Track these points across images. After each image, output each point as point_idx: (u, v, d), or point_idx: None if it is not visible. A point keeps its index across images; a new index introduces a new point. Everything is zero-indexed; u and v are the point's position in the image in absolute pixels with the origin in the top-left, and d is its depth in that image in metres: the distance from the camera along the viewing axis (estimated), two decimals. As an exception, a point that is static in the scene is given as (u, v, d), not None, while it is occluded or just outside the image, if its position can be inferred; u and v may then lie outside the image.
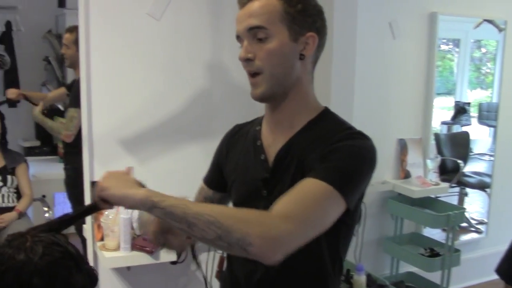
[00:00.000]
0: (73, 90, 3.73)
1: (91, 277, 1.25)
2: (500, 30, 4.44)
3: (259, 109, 3.09)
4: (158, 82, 2.97)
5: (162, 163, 3.01)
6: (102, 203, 1.33)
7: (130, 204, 1.27)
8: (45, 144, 5.84)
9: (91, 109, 2.84)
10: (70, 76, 5.70)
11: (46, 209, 4.06)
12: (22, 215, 3.78)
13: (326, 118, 1.51)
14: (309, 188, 1.30)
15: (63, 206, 5.05)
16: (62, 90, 4.37)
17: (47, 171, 5.21)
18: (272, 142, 1.52)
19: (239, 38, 1.47)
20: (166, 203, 1.23)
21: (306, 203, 1.27)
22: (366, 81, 3.57)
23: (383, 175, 3.97)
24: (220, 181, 1.67)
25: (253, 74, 1.45)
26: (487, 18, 4.31)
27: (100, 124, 2.86)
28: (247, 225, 1.20)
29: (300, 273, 1.48)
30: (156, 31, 2.91)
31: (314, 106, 1.53)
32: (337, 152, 1.36)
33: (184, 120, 3.03)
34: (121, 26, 2.85)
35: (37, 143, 5.83)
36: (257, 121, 1.64)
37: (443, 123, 6.65)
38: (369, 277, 3.15)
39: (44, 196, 4.44)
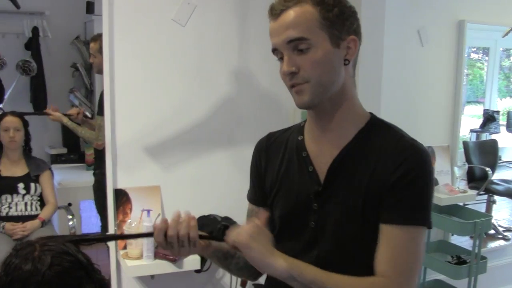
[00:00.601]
0: (101, 98, 3.73)
1: (103, 286, 1.21)
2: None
3: (285, 117, 3.09)
4: (183, 89, 2.95)
5: (187, 170, 2.99)
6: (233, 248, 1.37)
7: (269, 272, 1.34)
8: (72, 151, 5.87)
9: (115, 116, 2.83)
10: (98, 84, 5.73)
11: (70, 217, 4.04)
12: (45, 223, 3.76)
13: (376, 127, 1.45)
14: (406, 243, 1.33)
15: (89, 213, 5.06)
16: None
17: (73, 179, 5.23)
18: (319, 153, 1.46)
19: (276, 51, 1.39)
20: (305, 278, 1.30)
21: (410, 261, 1.34)
22: (393, 89, 3.51)
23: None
24: (265, 196, 1.59)
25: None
26: (514, 26, 4.24)
27: (124, 131, 2.86)
28: None
29: None
30: (181, 37, 2.90)
31: (361, 112, 1.47)
32: (412, 185, 1.33)
33: (209, 127, 3.01)
34: (145, 33, 2.84)
35: (64, 150, 5.85)
36: (296, 129, 1.57)
37: (472, 131, 6.58)
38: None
39: (70, 204, 4.43)
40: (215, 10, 2.96)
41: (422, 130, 3.88)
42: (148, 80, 2.88)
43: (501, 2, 4.03)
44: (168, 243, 1.37)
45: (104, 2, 2.73)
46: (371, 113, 1.49)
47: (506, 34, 4.22)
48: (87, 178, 5.09)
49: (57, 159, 5.68)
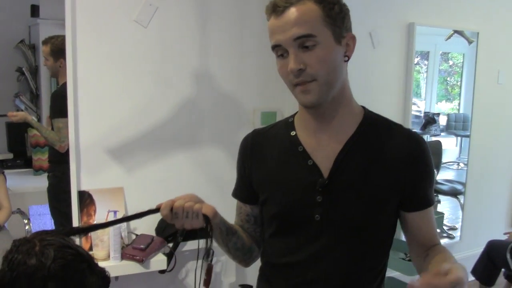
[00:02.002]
0: (54, 101, 3.69)
1: (104, 278, 1.23)
2: (470, 42, 4.55)
3: (246, 117, 3.15)
4: (146, 90, 2.97)
5: (150, 171, 3.00)
6: None
7: None
8: (18, 156, 5.72)
9: (78, 118, 2.82)
10: (44, 88, 5.63)
11: (26, 221, 3.96)
12: (1, 228, 3.69)
13: (374, 120, 1.52)
14: (432, 219, 1.55)
15: (38, 219, 4.96)
16: None
17: (21, 184, 5.09)
18: (318, 147, 1.48)
19: (277, 48, 1.39)
20: None
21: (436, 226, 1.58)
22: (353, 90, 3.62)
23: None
24: (254, 193, 1.61)
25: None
26: (460, 29, 4.42)
27: (87, 132, 2.85)
28: None
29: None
30: (143, 38, 2.92)
31: (357, 108, 1.53)
32: (428, 174, 1.50)
33: (171, 128, 3.03)
34: (108, 34, 2.84)
35: (10, 155, 5.70)
36: (283, 125, 1.59)
37: (412, 133, 6.78)
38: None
39: (19, 210, 4.34)
40: (177, 12, 2.99)
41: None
42: (110, 81, 2.88)
43: (448, 6, 4.20)
44: (173, 215, 1.43)
45: (66, 4, 2.71)
46: (363, 107, 1.56)
47: (449, 37, 4.39)
48: (35, 183, 4.99)
49: (2, 164, 5.53)
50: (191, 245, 2.98)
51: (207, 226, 1.50)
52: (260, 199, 1.58)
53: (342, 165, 1.45)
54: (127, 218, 1.51)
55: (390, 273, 4.13)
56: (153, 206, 2.91)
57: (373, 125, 1.50)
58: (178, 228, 1.48)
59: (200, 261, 3.01)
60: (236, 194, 1.69)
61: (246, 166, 1.61)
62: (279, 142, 1.55)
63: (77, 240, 2.83)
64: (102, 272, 1.22)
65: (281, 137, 1.56)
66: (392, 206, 1.48)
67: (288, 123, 1.58)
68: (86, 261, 1.18)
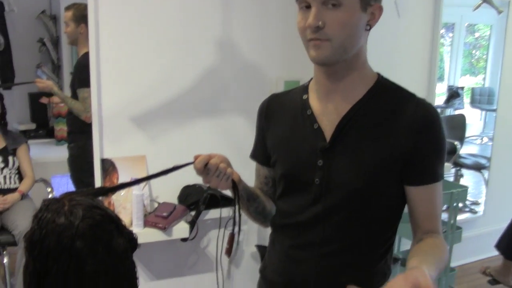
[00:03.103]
0: (78, 71, 3.68)
1: (132, 241, 1.22)
2: (499, 12, 4.44)
3: (268, 86, 3.11)
4: (168, 59, 2.94)
5: (172, 140, 2.99)
6: None
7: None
8: (41, 127, 5.78)
9: (101, 86, 2.81)
10: (65, 58, 5.65)
11: (49, 190, 4.01)
12: (24, 196, 3.74)
13: (385, 87, 1.48)
14: (437, 198, 1.46)
15: (61, 189, 5.00)
16: None
17: (44, 154, 5.16)
18: (325, 111, 1.48)
19: (300, 0, 1.37)
20: (436, 269, 1.29)
21: (440, 211, 1.50)
22: (370, 59, 3.57)
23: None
24: (267, 155, 1.64)
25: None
26: (488, -2, 4.31)
27: (110, 101, 2.84)
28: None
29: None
30: (166, 6, 2.88)
31: (370, 74, 1.50)
32: (437, 146, 1.42)
33: (194, 97, 3.01)
34: (130, 1, 2.81)
35: (32, 126, 5.75)
36: (300, 89, 1.59)
37: (436, 107, 6.72)
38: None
39: (42, 179, 4.39)
40: (200, -20, 2.95)
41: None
42: (133, 50, 2.85)
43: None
44: (205, 170, 1.47)
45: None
46: (378, 73, 1.52)
47: (477, 7, 4.28)
48: (57, 153, 5.04)
49: (25, 135, 5.58)
50: (213, 213, 2.98)
51: (235, 192, 1.56)
52: (271, 160, 1.61)
53: (345, 129, 1.44)
54: (162, 173, 1.51)
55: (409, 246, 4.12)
56: (174, 174, 2.91)
57: (384, 92, 1.47)
58: (204, 183, 1.50)
59: (222, 230, 3.04)
60: (254, 155, 1.72)
61: (262, 128, 1.65)
62: (293, 106, 1.57)
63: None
64: (130, 234, 1.21)
65: (295, 101, 1.57)
66: (393, 175, 1.43)
67: (303, 87, 1.58)
68: (114, 222, 1.17)
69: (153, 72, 2.92)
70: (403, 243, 4.12)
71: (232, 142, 3.07)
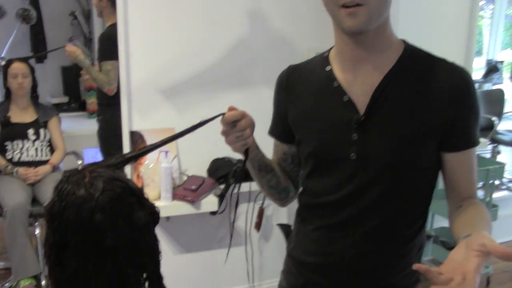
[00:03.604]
0: (102, 43, 3.65)
1: (154, 214, 1.19)
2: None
3: (299, 58, 3.03)
4: (197, 31, 2.90)
5: (201, 112, 2.90)
6: None
7: None
8: (73, 100, 5.82)
9: (129, 58, 2.78)
10: (97, 31, 5.64)
11: (79, 162, 4.03)
12: (56, 168, 3.77)
13: (415, 53, 1.40)
14: (474, 163, 1.42)
15: (91, 161, 5.03)
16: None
17: (76, 127, 5.19)
18: (354, 82, 1.39)
19: None
20: None
21: (476, 176, 1.44)
22: (408, 31, 3.48)
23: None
24: (291, 131, 1.55)
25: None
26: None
27: (139, 73, 2.81)
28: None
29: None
30: (195, -23, 2.83)
31: (396, 40, 1.42)
32: (472, 110, 1.37)
33: (223, 69, 2.97)
34: (159, -28, 2.77)
35: (65, 99, 5.80)
36: (319, 61, 1.50)
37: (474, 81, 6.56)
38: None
39: (73, 151, 4.42)
40: (230, -51, 2.88)
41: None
42: (161, 21, 2.82)
43: None
44: (230, 125, 1.38)
45: None
46: (404, 41, 1.44)
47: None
48: (89, 126, 5.06)
49: (58, 108, 5.62)
50: (243, 187, 2.94)
51: (245, 159, 1.49)
52: (296, 138, 1.53)
53: (380, 100, 1.36)
54: (191, 129, 1.40)
55: (444, 223, 4.04)
56: (203, 146, 2.90)
57: (415, 58, 1.39)
58: (221, 134, 1.41)
59: (251, 204, 3.02)
60: (273, 132, 1.63)
61: (282, 103, 1.56)
62: (315, 79, 1.47)
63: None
64: (152, 208, 1.17)
65: (317, 73, 1.47)
66: (432, 145, 1.37)
67: (323, 58, 1.49)
68: (135, 195, 1.13)
69: (182, 44, 2.88)
70: (436, 220, 4.04)
71: (262, 115, 3.00)
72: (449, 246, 3.74)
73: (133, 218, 1.10)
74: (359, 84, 1.38)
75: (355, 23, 1.26)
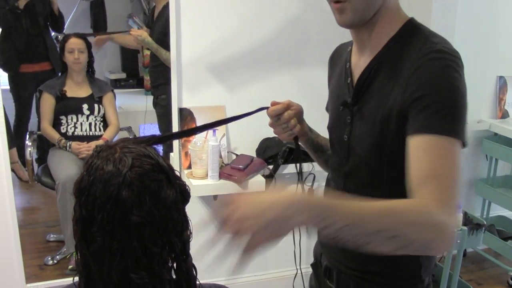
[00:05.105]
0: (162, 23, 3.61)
1: (183, 193, 1.16)
2: None
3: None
4: (249, 8, 2.85)
5: (252, 91, 2.93)
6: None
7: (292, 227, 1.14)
8: (131, 76, 5.86)
9: (180, 34, 2.77)
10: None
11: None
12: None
13: (408, 34, 1.33)
14: (446, 157, 1.17)
15: (148, 137, 5.09)
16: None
17: (133, 103, 5.24)
18: (357, 64, 1.42)
19: None
20: (335, 227, 1.06)
21: (450, 180, 1.15)
22: (470, 12, 3.35)
23: (479, 114, 3.76)
24: None
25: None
26: None
27: (189, 50, 2.80)
28: (425, 232, 1.10)
29: None
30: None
31: (398, 19, 1.35)
32: (437, 92, 1.19)
33: (275, 47, 2.92)
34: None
35: (123, 75, 5.85)
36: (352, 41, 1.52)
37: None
38: (465, 215, 2.98)
39: (129, 127, 4.47)
40: None
41: (496, 59, 3.71)
42: (213, -2, 2.79)
43: None
44: (275, 117, 1.54)
45: None
46: (410, 19, 1.37)
47: None
48: (146, 102, 5.10)
49: (116, 84, 5.69)
50: (291, 168, 2.91)
51: (296, 147, 1.64)
52: None
53: (366, 83, 1.38)
54: (232, 118, 1.58)
55: (500, 211, 3.91)
56: (253, 127, 2.86)
57: (405, 39, 1.32)
58: (269, 125, 1.56)
59: (300, 185, 2.96)
60: (327, 107, 1.67)
61: (329, 78, 1.65)
62: (343, 58, 1.53)
63: (176, 157, 2.83)
64: (182, 186, 1.15)
65: (345, 53, 1.52)
66: (399, 128, 1.26)
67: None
68: (165, 172, 1.11)
69: (233, 21, 2.84)
70: (492, 208, 3.91)
71: (314, 95, 2.95)
72: (505, 236, 3.61)
73: (161, 195, 1.09)
74: (359, 66, 1.41)
75: (343, 19, 1.31)
